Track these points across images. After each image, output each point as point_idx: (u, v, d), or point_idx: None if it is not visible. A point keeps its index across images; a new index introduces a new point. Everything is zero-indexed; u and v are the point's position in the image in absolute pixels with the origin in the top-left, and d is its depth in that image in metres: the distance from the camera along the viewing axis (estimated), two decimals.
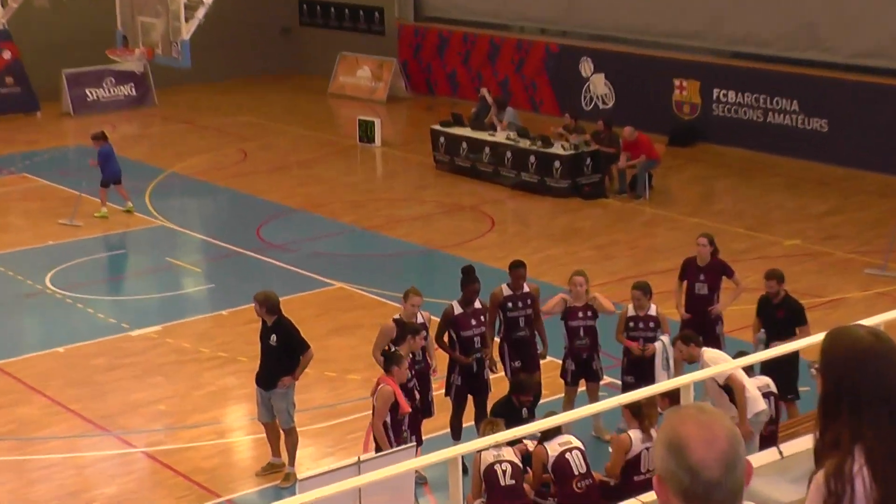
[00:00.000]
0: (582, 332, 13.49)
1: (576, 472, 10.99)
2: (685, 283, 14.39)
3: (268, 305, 12.85)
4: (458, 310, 13.25)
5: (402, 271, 19.93)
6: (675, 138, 27.58)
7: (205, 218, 24.32)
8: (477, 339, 13.23)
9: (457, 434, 13.23)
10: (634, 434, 11.09)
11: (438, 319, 13.39)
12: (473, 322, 13.23)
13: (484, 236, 21.56)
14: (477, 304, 13.31)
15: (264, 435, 13.35)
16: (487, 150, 25.12)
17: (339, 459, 12.46)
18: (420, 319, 13.02)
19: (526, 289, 13.63)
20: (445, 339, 13.32)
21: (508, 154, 24.63)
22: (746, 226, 21.62)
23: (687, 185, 25.16)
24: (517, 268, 13.71)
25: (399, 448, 10.87)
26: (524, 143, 24.46)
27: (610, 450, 12.30)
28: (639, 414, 11.11)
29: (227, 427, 14.74)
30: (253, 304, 13.14)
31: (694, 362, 11.98)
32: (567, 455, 11.04)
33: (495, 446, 10.67)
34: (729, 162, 26.45)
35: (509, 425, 10.48)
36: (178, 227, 22.69)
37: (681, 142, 27.56)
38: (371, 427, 11.82)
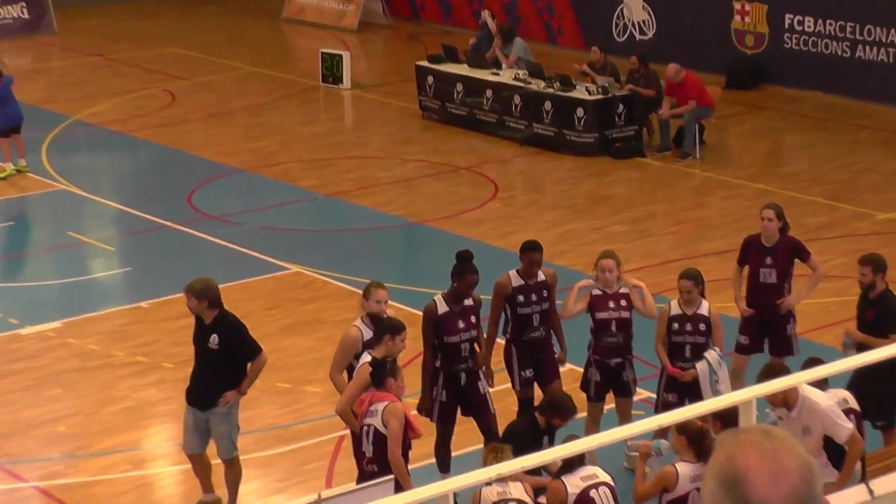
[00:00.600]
0: (614, 327, 13.38)
1: None
2: (747, 268, 14.38)
3: (209, 298, 12.54)
4: (442, 307, 13.00)
5: (377, 251, 19.92)
6: (734, 79, 27.59)
7: (119, 180, 24.28)
8: (465, 346, 13.00)
9: (444, 466, 13.12)
10: (683, 468, 11.05)
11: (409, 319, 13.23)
12: (462, 324, 12.96)
13: (485, 206, 21.55)
14: (467, 301, 13.05)
15: None
16: (489, 93, 25.10)
17: (294, 496, 12.48)
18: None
19: (541, 276, 13.47)
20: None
21: (517, 99, 24.61)
22: (827, 194, 21.64)
23: (749, 141, 25.15)
24: (531, 251, 13.49)
25: (373, 482, 10.85)
26: (538, 85, 24.44)
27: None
28: (699, 442, 10.98)
29: (147, 454, 14.73)
30: (184, 295, 12.89)
31: (789, 407, 11.21)
32: (592, 493, 11.03)
33: (499, 480, 10.66)
34: (804, 110, 26.45)
35: (524, 454, 10.20)
36: (85, 193, 22.64)
37: (742, 83, 27.57)
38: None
